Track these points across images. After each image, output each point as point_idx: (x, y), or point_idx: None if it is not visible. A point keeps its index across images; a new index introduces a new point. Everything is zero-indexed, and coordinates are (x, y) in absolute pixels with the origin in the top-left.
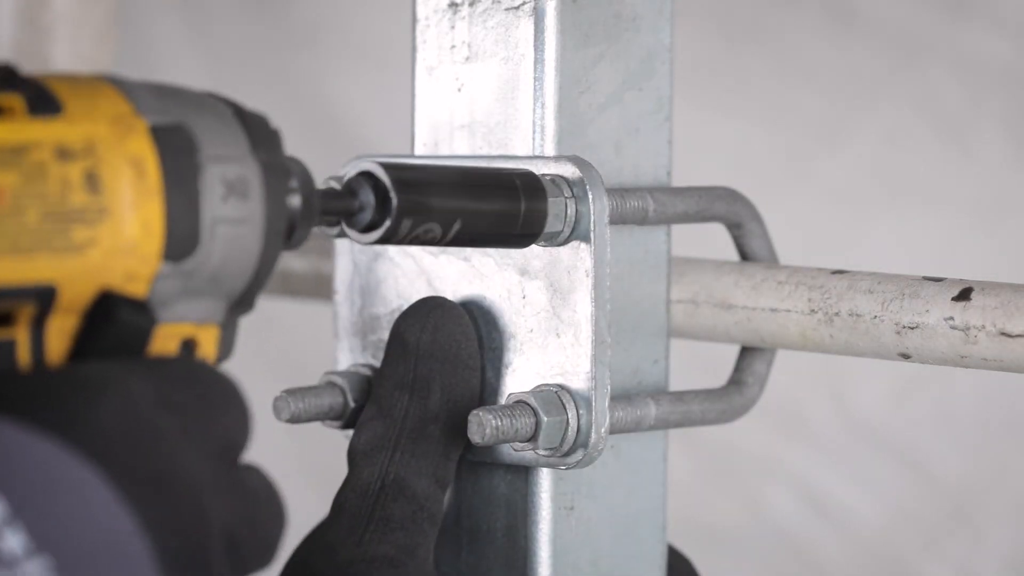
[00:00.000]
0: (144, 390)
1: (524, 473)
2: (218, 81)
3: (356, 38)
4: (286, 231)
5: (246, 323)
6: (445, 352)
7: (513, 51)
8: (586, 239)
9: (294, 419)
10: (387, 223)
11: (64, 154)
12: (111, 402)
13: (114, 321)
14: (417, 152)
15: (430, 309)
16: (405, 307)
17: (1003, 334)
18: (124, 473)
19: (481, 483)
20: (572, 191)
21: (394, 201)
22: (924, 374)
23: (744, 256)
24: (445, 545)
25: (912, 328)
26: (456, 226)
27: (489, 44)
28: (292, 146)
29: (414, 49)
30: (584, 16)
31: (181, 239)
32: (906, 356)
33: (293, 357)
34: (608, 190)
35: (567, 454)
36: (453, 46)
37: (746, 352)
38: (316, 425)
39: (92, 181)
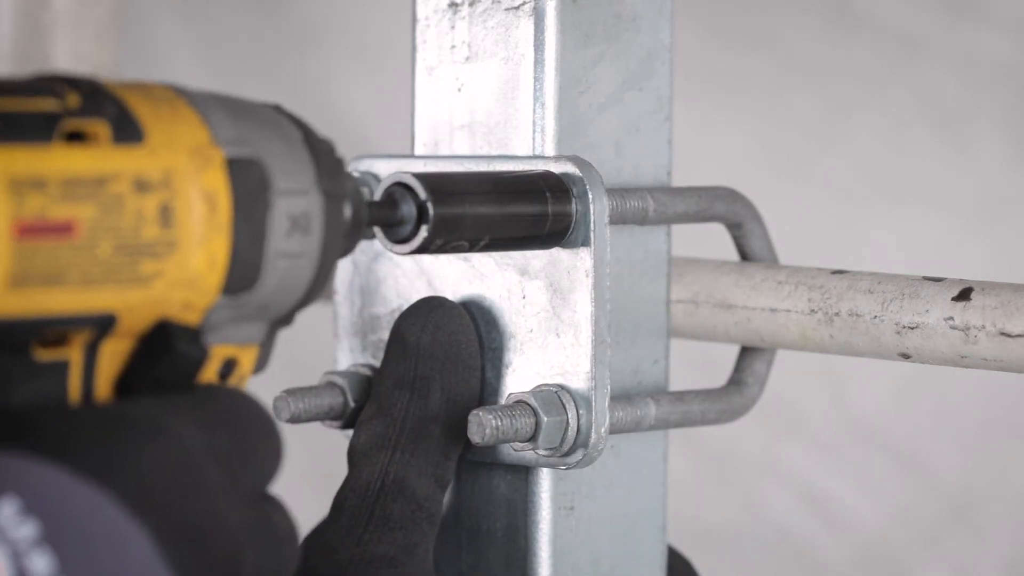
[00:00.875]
0: (192, 435)
1: (524, 473)
2: (219, 81)
3: (357, 38)
4: None
5: None
6: (446, 352)
7: (513, 51)
8: (586, 239)
9: (294, 419)
10: (423, 235)
11: (142, 186)
12: (160, 450)
13: (171, 351)
14: (417, 152)
15: (431, 309)
16: (405, 307)
17: (1003, 334)
18: (166, 527)
19: (481, 483)
20: (573, 191)
21: (431, 212)
22: (924, 374)
23: (744, 256)
24: (445, 545)
25: (912, 328)
26: (489, 234)
27: (489, 44)
28: None
29: (414, 49)
30: (584, 16)
31: (242, 274)
32: (906, 356)
33: (293, 357)
34: (608, 190)
35: (567, 454)
36: (453, 46)
37: (746, 352)
38: (316, 425)
39: (165, 214)
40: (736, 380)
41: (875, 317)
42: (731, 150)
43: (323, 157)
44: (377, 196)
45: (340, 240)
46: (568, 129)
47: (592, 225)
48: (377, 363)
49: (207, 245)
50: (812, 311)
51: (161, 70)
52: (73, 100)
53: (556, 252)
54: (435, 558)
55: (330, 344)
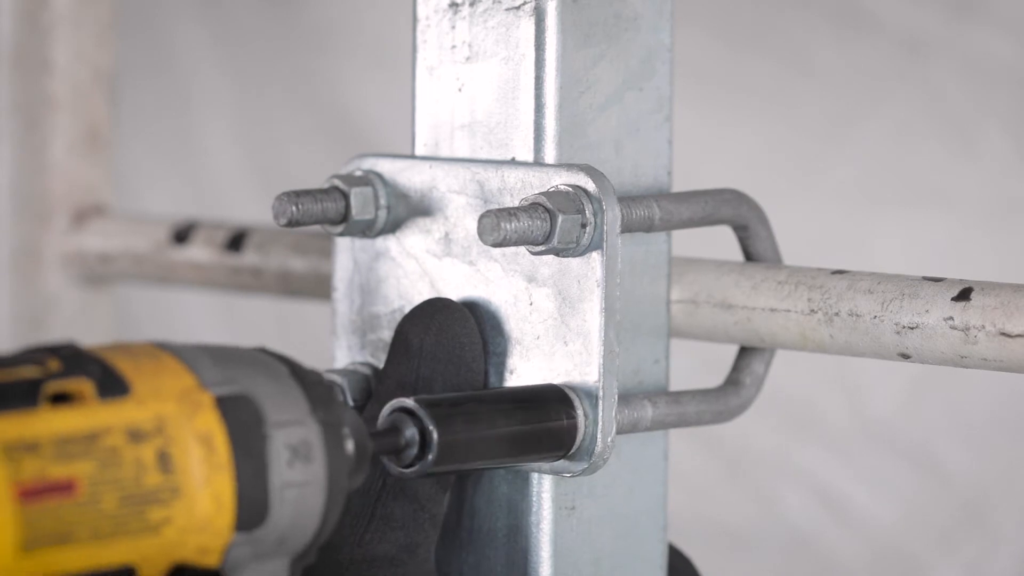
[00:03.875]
0: None
1: (525, 473)
2: (235, 81)
3: (371, 38)
4: None
5: (247, 322)
6: (448, 354)
7: (514, 51)
8: (598, 249)
9: None
10: (430, 461)
11: (136, 436)
12: None
13: None
14: (417, 152)
15: (435, 311)
16: (407, 308)
17: (1003, 334)
18: None
19: (483, 483)
20: (585, 202)
21: (435, 440)
22: (938, 373)
23: (749, 258)
24: (446, 545)
25: (912, 328)
26: (497, 455)
27: (490, 44)
28: (308, 145)
29: (415, 49)
30: (584, 16)
31: (252, 510)
32: (906, 356)
33: (293, 356)
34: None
35: (572, 457)
36: (454, 46)
37: (744, 352)
38: None
39: (164, 460)
40: (733, 380)
41: (875, 317)
42: (738, 152)
43: (313, 388)
44: (380, 425)
45: (345, 469)
46: (568, 129)
47: (605, 236)
48: (376, 362)
49: (211, 486)
50: (812, 311)
51: (177, 71)
52: (54, 365)
53: (566, 261)
54: (436, 558)
55: (326, 342)
